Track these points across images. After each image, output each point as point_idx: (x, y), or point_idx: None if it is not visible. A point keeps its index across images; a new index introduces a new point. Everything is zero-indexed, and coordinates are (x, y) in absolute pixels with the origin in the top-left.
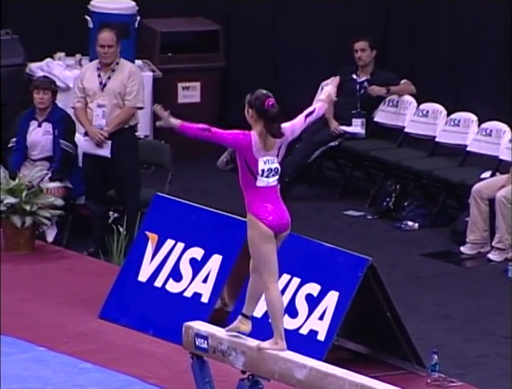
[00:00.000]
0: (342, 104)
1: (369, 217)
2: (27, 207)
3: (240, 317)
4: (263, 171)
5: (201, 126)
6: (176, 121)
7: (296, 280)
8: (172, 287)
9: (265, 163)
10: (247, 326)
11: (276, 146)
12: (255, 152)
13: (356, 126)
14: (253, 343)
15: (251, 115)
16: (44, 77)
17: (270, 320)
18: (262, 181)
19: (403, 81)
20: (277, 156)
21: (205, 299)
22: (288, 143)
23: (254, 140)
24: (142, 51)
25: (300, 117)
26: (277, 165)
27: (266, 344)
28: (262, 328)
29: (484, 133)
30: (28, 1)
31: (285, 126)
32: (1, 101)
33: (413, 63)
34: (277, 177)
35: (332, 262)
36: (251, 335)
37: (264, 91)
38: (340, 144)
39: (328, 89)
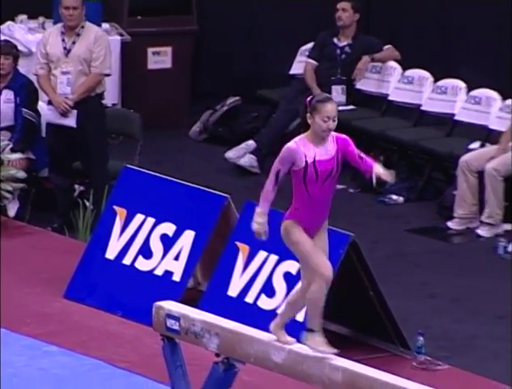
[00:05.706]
0: (322, 70)
1: (351, 191)
2: None
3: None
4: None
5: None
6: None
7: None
8: (142, 264)
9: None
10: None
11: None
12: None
13: (337, 94)
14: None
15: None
16: (5, 41)
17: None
18: None
19: (386, 46)
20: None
21: (177, 277)
22: (266, 113)
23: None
24: (110, 14)
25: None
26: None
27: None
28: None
29: (472, 101)
30: None
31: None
32: None
33: (398, 27)
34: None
35: None
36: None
37: None
38: None
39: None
